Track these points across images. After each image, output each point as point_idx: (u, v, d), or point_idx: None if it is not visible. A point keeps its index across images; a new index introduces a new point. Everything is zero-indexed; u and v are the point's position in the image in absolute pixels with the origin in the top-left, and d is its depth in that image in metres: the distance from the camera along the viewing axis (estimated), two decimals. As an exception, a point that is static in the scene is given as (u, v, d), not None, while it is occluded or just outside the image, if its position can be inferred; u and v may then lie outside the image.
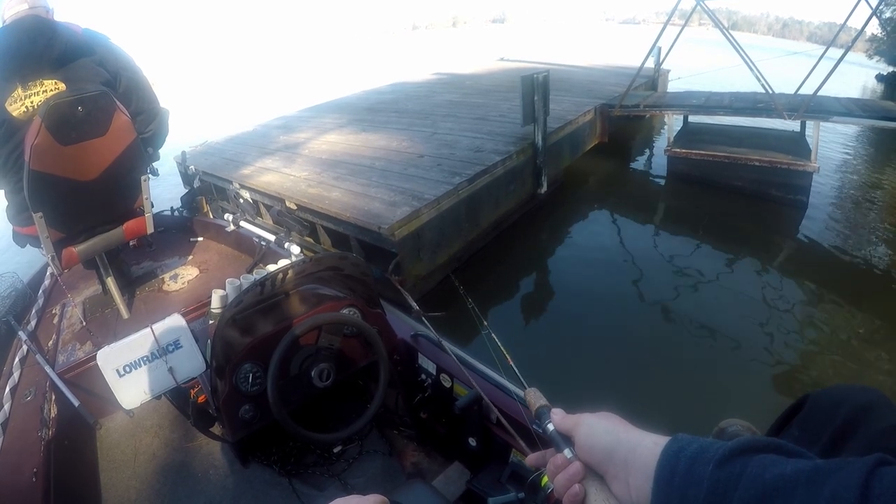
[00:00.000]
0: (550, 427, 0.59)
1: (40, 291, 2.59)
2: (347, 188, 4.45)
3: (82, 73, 1.93)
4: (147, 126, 2.23)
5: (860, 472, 0.37)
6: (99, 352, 1.60)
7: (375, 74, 16.74)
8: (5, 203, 2.09)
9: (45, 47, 1.81)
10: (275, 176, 5.03)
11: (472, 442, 1.73)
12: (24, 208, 1.94)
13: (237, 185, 5.06)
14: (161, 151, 2.54)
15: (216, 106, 15.54)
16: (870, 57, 22.85)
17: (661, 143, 7.60)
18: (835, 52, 6.79)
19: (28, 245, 2.18)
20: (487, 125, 6.08)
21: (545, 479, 0.60)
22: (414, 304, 2.03)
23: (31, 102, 1.83)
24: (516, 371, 1.65)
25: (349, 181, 4.63)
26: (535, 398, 0.67)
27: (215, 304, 2.06)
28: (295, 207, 4.46)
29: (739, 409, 2.64)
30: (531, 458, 0.62)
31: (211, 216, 3.29)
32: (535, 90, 5.01)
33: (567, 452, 0.56)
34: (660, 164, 7.05)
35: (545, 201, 5.74)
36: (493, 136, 5.56)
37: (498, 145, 5.18)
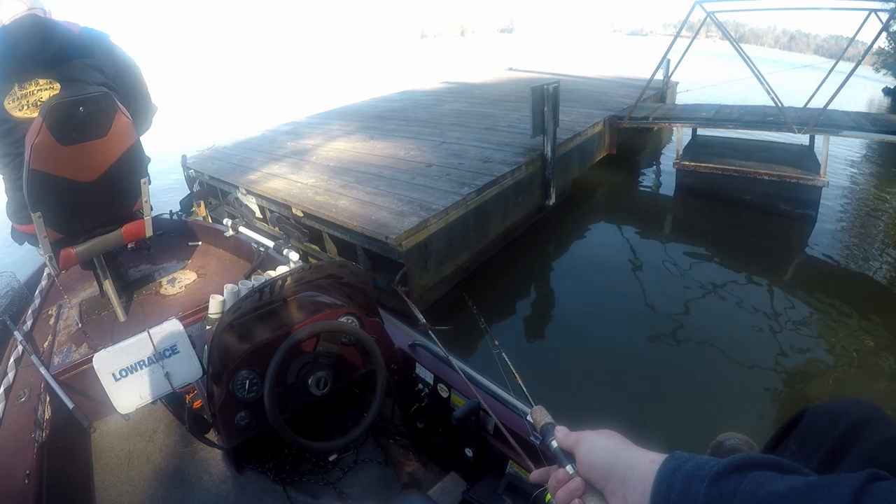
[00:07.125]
0: (554, 444, 0.61)
1: (37, 292, 2.57)
2: (355, 196, 4.45)
3: (78, 73, 1.93)
4: (140, 127, 2.24)
5: (851, 488, 0.38)
6: (95, 355, 1.59)
7: (383, 82, 16.82)
8: (5, 199, 2.09)
9: (39, 46, 1.82)
10: (282, 182, 5.04)
11: (469, 452, 1.70)
12: (23, 205, 1.94)
13: (244, 191, 5.07)
14: (165, 156, 2.53)
15: (225, 110, 15.65)
16: (877, 70, 22.84)
17: (670, 155, 7.56)
18: (843, 66, 6.75)
19: (26, 243, 2.17)
20: (496, 135, 6.08)
21: (549, 497, 0.61)
22: (420, 317, 2.00)
23: (28, 102, 1.84)
24: (524, 389, 1.63)
25: (356, 189, 4.62)
26: (541, 415, 0.70)
27: (213, 309, 2.05)
28: (301, 214, 4.45)
29: (740, 422, 2.62)
30: (535, 475, 0.64)
31: (210, 220, 3.28)
32: (546, 101, 4.98)
33: (569, 468, 0.58)
34: (668, 177, 7.02)
35: (553, 213, 5.72)
36: (501, 146, 5.55)
37: (507, 156, 5.17)
